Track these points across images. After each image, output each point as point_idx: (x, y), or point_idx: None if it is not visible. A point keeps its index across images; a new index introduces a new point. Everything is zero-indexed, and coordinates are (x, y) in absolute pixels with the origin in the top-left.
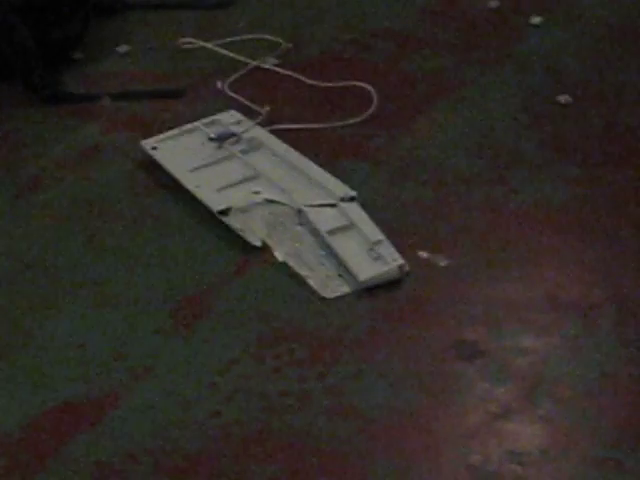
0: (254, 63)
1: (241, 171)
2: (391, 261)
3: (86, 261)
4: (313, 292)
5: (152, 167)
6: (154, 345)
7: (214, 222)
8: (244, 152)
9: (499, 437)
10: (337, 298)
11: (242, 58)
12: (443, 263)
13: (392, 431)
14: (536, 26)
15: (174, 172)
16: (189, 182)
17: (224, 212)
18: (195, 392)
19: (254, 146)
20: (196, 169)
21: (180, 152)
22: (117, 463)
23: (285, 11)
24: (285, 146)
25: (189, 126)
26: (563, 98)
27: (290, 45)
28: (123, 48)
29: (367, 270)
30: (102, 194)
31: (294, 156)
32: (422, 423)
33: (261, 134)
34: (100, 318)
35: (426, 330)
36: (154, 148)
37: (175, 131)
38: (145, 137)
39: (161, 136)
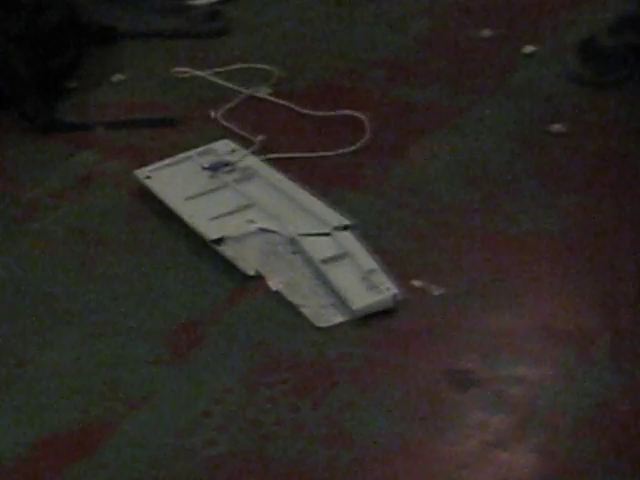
0: (248, 92)
1: (235, 200)
2: (385, 290)
3: (81, 289)
4: (307, 321)
5: (146, 196)
6: (149, 374)
7: (208, 251)
8: (238, 181)
9: (493, 467)
10: (331, 327)
11: (236, 87)
12: (437, 292)
13: (387, 460)
14: (529, 55)
15: (168, 201)
16: (183, 211)
17: (218, 241)
18: (190, 421)
19: (248, 175)
20: (190, 198)
21: (174, 181)
22: None
23: (279, 41)
24: (279, 175)
25: (183, 155)
26: (556, 127)
27: (283, 74)
28: (117, 77)
29: (361, 299)
30: (96, 223)
31: (288, 185)
32: (416, 452)
33: (255, 163)
34: (95, 347)
35: (420, 359)
36: (148, 177)
37: (169, 160)
38: (139, 166)
39: (155, 165)
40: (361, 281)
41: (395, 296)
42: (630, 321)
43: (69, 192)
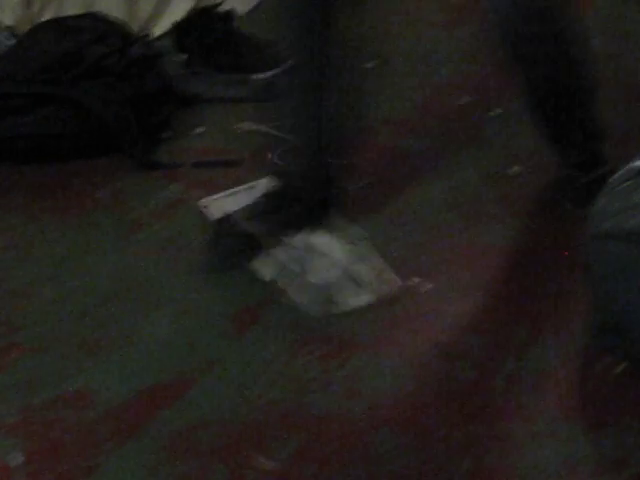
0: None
1: None
2: (392, 284)
3: (170, 282)
4: (335, 306)
5: None
6: (218, 344)
7: None
8: None
9: (463, 400)
10: (352, 310)
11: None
12: (428, 286)
13: (391, 406)
14: (495, 116)
15: None
16: None
17: None
18: (247, 378)
19: None
20: None
21: (240, 205)
22: (189, 430)
23: None
24: None
25: (247, 185)
26: (514, 169)
27: None
28: (199, 130)
29: (373, 290)
30: (182, 235)
31: None
32: (412, 403)
33: None
34: (180, 323)
35: (415, 334)
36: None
37: (237, 189)
38: (214, 194)
39: (226, 193)
40: (374, 277)
41: (398, 288)
42: (564, 305)
43: (163, 213)
